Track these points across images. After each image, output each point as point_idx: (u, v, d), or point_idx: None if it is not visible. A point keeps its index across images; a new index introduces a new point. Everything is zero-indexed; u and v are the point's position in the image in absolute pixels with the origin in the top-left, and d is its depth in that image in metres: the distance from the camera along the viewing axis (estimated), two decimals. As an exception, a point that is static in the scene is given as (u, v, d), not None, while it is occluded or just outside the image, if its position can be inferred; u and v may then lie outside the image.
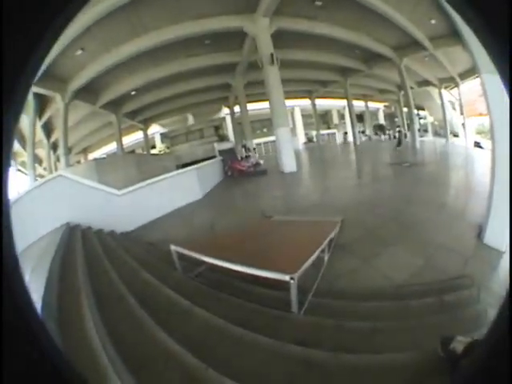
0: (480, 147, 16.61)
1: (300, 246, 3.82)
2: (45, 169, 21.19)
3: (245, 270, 2.87)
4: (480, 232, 4.81)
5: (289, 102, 17.52)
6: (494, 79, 4.32)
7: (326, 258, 4.04)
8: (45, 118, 17.92)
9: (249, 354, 2.08)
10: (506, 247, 4.35)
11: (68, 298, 2.61)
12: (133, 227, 7.58)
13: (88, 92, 16.47)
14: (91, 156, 24.90)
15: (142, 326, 2.35)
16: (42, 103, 16.68)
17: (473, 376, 0.70)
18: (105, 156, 22.22)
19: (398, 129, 18.49)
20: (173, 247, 3.76)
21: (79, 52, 12.81)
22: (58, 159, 20.00)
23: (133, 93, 18.35)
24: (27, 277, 2.79)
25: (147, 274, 3.63)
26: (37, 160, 19.83)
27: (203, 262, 3.72)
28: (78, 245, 4.88)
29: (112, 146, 23.17)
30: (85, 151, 25.24)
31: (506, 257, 4.21)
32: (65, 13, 0.75)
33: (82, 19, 10.54)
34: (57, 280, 3.03)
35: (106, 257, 4.44)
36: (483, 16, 0.70)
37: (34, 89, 14.18)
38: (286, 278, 2.53)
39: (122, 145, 21.68)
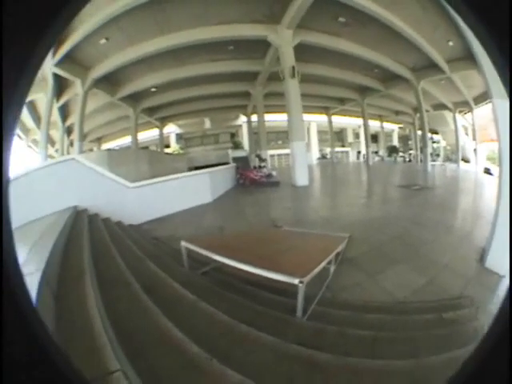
0: (490, 174, 16.51)
1: (309, 254, 3.87)
2: (56, 151, 21.38)
3: (255, 270, 2.88)
4: (482, 256, 4.84)
5: (306, 117, 17.58)
6: (504, 104, 4.36)
7: (331, 269, 4.09)
8: (62, 100, 18.06)
9: (252, 350, 2.10)
10: (505, 271, 4.39)
11: (70, 275, 2.66)
12: (140, 221, 7.66)
13: (108, 82, 16.73)
14: (104, 146, 25.12)
15: (146, 313, 2.36)
16: (61, 85, 16.80)
17: (473, 376, 0.71)
18: (118, 148, 22.40)
19: None
20: (183, 243, 3.78)
21: (103, 41, 13.03)
22: (71, 144, 20.20)
23: (153, 89, 18.53)
24: (27, 250, 2.83)
25: (154, 265, 3.66)
26: (49, 141, 19.99)
27: (210, 262, 3.77)
28: (85, 228, 4.94)
29: (126, 140, 23.31)
30: (99, 140, 25.44)
31: (505, 280, 4.25)
32: (64, 14, 0.77)
33: (109, 8, 10.84)
34: (60, 256, 3.09)
35: (113, 244, 4.48)
36: (493, 32, 0.74)
37: (55, 70, 14.44)
38: (295, 281, 2.56)
39: (136, 139, 21.84)
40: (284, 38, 12.98)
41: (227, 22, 12.77)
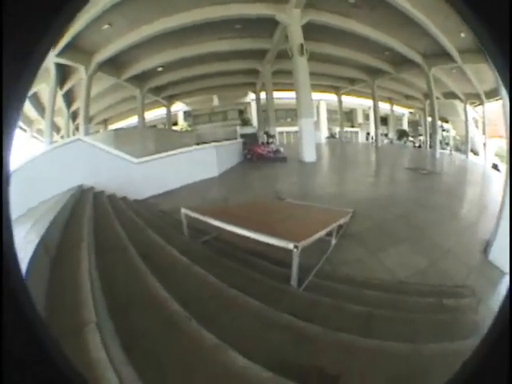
0: (497, 170, 16.34)
1: (308, 224, 3.85)
2: (62, 137, 21.35)
3: (250, 234, 2.87)
4: (486, 248, 4.77)
5: (315, 96, 17.37)
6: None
7: (332, 242, 4.05)
8: (66, 87, 17.81)
9: (238, 315, 2.09)
10: (507, 269, 4.32)
11: (68, 243, 2.66)
12: (146, 196, 7.60)
13: (113, 65, 16.47)
14: (111, 127, 25.01)
15: (137, 275, 2.38)
16: (64, 73, 16.57)
17: (473, 375, 0.70)
18: (125, 127, 22.32)
19: None
20: (183, 210, 3.77)
21: (106, 27, 12.88)
22: (77, 129, 20.15)
23: (159, 69, 18.29)
24: (30, 224, 2.81)
25: (154, 234, 3.66)
26: (54, 128, 19.97)
27: (211, 230, 3.78)
28: (88, 202, 4.96)
29: (133, 120, 23.20)
30: (105, 122, 25.33)
31: (506, 279, 4.20)
32: (64, 14, 0.76)
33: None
34: (61, 227, 3.09)
35: (115, 214, 4.50)
36: (493, 32, 0.74)
37: (57, 59, 14.30)
38: (290, 245, 2.53)
39: (143, 119, 21.66)
40: (292, 17, 12.90)
41: (234, 1, 12.60)
